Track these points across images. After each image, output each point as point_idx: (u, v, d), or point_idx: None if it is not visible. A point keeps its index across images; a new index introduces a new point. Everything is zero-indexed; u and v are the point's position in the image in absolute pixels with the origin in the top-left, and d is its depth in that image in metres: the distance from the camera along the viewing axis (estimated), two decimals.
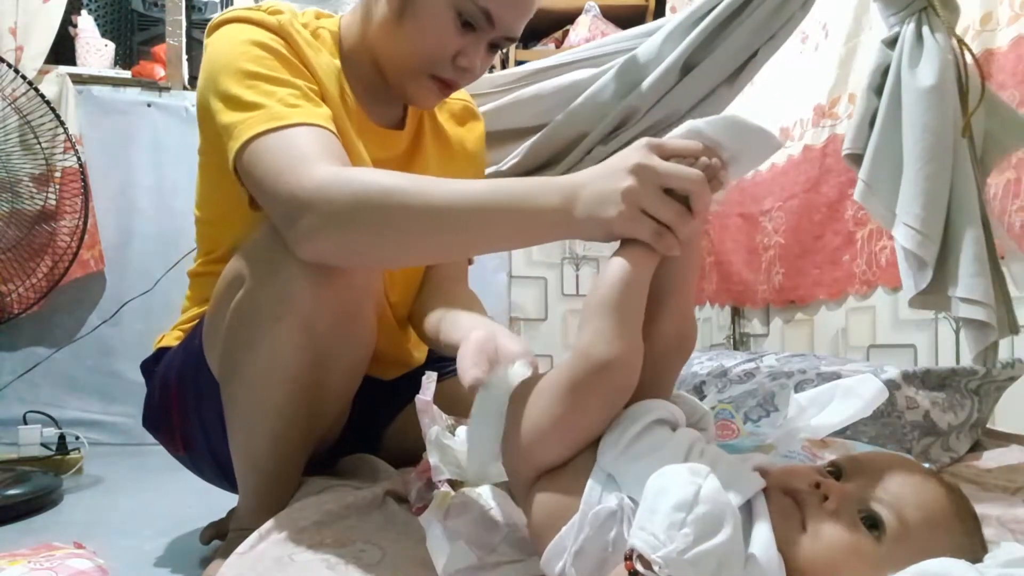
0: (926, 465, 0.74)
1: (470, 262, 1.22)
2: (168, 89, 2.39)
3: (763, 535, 0.54)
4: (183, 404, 1.01)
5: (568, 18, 2.85)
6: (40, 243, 2.07)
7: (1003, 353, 1.15)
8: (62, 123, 2.01)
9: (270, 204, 0.81)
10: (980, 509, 0.60)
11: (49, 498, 1.44)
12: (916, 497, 0.55)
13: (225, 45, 0.89)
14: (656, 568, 0.48)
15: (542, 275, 2.61)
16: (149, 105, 2.36)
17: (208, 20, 2.44)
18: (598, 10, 2.82)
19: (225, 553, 0.86)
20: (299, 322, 0.82)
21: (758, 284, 2.27)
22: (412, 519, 0.81)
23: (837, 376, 1.17)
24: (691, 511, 0.50)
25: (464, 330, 0.86)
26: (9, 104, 1.91)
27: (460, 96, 1.17)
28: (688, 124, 0.68)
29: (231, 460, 0.92)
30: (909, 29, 1.12)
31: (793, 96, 2.07)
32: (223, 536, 1.02)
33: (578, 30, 2.79)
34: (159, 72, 2.39)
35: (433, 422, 0.80)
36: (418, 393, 0.78)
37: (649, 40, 1.29)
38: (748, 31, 1.20)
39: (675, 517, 0.50)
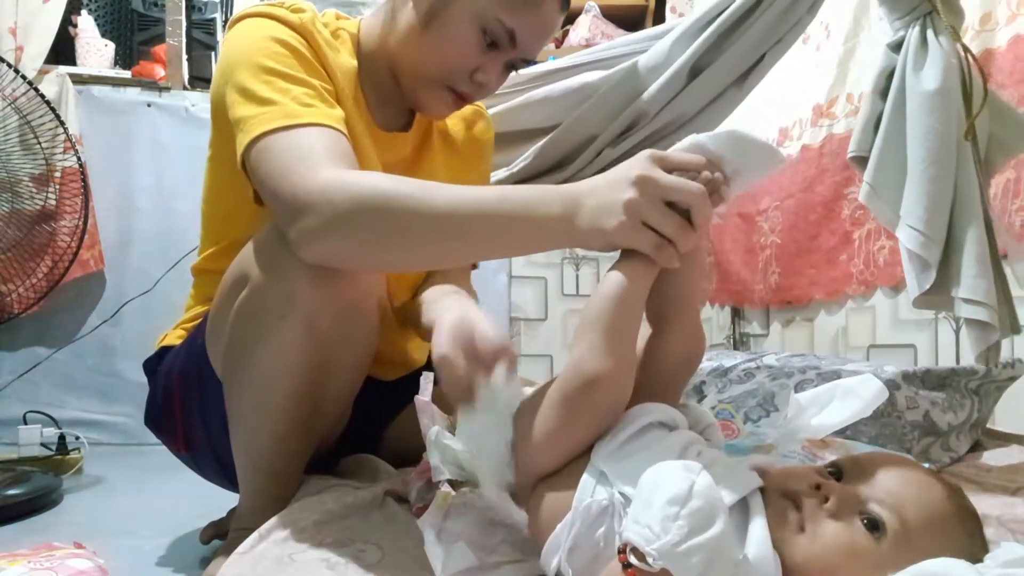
0: (926, 465, 0.74)
1: (474, 267, 1.22)
2: (168, 89, 2.39)
3: (758, 533, 0.54)
4: (185, 403, 1.01)
5: (568, 18, 2.84)
6: (40, 243, 2.07)
7: (1003, 353, 1.15)
8: (62, 123, 2.01)
9: (273, 202, 0.81)
10: (980, 509, 0.60)
11: (49, 498, 1.44)
12: (917, 498, 0.55)
13: (245, 39, 0.89)
14: (650, 560, 0.49)
15: (542, 275, 2.61)
16: (149, 105, 2.36)
17: (208, 20, 2.47)
18: (598, 10, 2.82)
19: (226, 552, 0.86)
20: (302, 321, 0.82)
21: (755, 284, 2.27)
22: (412, 519, 0.81)
23: (837, 376, 1.17)
24: (685, 505, 0.51)
25: (438, 311, 0.86)
26: (9, 104, 1.91)
27: None
28: (692, 138, 0.69)
29: (233, 459, 0.92)
30: (914, 33, 1.12)
31: (792, 96, 2.07)
32: (223, 535, 1.02)
33: (578, 30, 2.79)
34: (159, 72, 2.39)
35: (432, 422, 0.80)
36: (418, 393, 0.78)
37: (658, 44, 1.29)
38: (756, 35, 1.21)
39: (669, 511, 0.50)
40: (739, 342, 2.46)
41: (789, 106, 2.10)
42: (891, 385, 1.09)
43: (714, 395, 1.40)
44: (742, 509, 0.57)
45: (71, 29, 2.41)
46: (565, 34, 2.87)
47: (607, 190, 0.67)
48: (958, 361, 1.54)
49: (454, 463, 0.80)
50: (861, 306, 1.83)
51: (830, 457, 0.93)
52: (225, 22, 2.52)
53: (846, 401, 0.93)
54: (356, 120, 0.95)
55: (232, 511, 1.01)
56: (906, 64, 1.13)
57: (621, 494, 0.59)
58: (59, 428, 1.86)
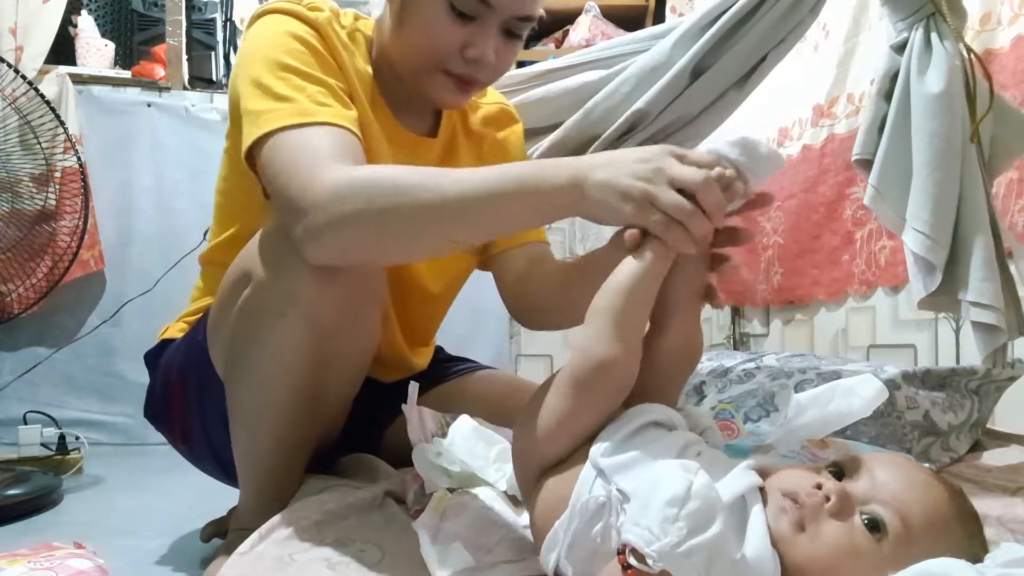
0: (926, 465, 0.74)
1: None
2: (168, 89, 2.39)
3: (757, 533, 0.55)
4: (184, 398, 1.01)
5: (568, 18, 2.85)
6: (40, 243, 2.07)
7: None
8: (62, 123, 2.01)
9: (281, 200, 0.80)
10: (980, 509, 0.60)
11: (49, 498, 1.44)
12: (918, 499, 0.55)
13: (263, 35, 0.89)
14: (650, 562, 0.49)
15: None
16: (149, 105, 2.36)
17: (208, 20, 2.47)
18: (598, 10, 2.82)
19: (226, 552, 0.87)
20: (303, 318, 0.82)
21: (757, 284, 2.27)
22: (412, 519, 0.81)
23: (837, 376, 1.17)
24: (684, 506, 0.51)
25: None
26: (9, 104, 1.91)
27: (496, 99, 1.15)
28: (704, 146, 0.71)
29: (230, 455, 0.92)
30: (917, 35, 1.12)
31: (792, 96, 2.07)
32: (223, 534, 1.02)
33: (578, 30, 2.79)
34: (159, 72, 2.39)
35: (421, 429, 0.81)
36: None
37: (659, 44, 1.29)
38: (758, 36, 1.20)
39: (668, 512, 0.51)
40: (739, 342, 2.46)
41: (789, 106, 2.10)
42: (891, 385, 1.09)
43: (714, 395, 1.40)
44: (740, 508, 0.57)
45: (71, 29, 2.41)
46: (565, 34, 2.87)
47: (617, 165, 0.67)
48: (958, 361, 1.54)
49: (442, 474, 0.81)
50: (861, 306, 1.83)
51: (830, 457, 0.93)
52: (225, 22, 2.52)
53: (846, 401, 0.93)
54: (373, 124, 0.95)
55: (232, 510, 1.02)
56: (910, 67, 1.13)
57: (619, 491, 0.59)
58: (59, 428, 1.86)
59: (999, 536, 0.75)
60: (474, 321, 2.40)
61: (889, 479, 0.57)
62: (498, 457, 0.86)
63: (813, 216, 1.97)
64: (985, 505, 0.79)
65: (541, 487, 0.66)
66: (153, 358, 1.08)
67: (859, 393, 0.92)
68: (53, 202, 2.08)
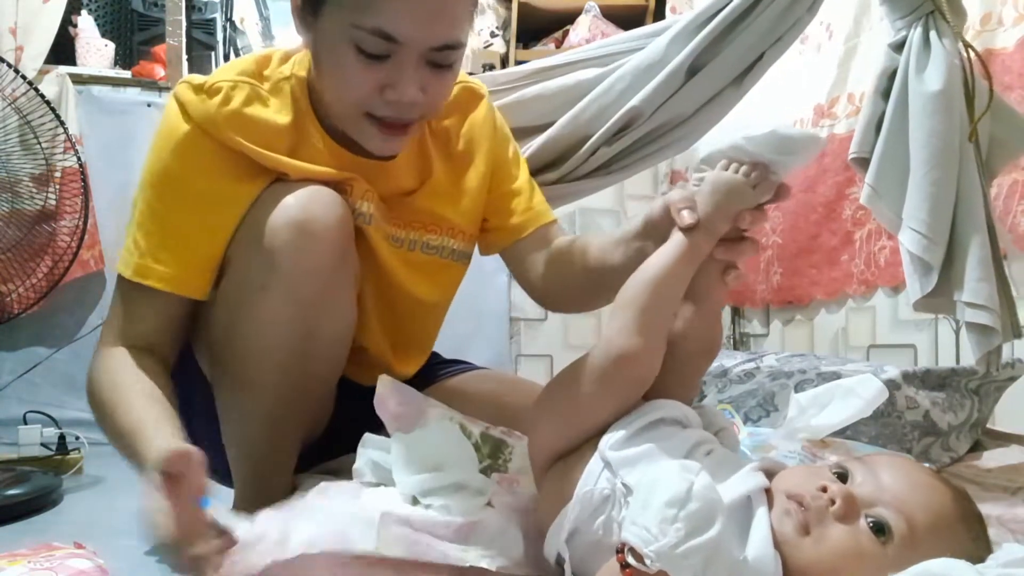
0: (926, 465, 0.74)
1: None
2: (168, 89, 2.38)
3: (759, 534, 0.55)
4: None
5: (568, 18, 2.85)
6: (40, 243, 2.07)
7: (1003, 354, 1.15)
8: (62, 123, 2.01)
9: None
10: (980, 509, 0.60)
11: (49, 498, 1.43)
12: (923, 502, 0.55)
13: (156, 142, 0.92)
14: (648, 562, 0.49)
15: None
16: (149, 105, 2.35)
17: (209, 20, 2.47)
18: (598, 10, 2.81)
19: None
20: (284, 290, 0.85)
21: (757, 284, 2.27)
22: None
23: (837, 376, 1.17)
24: (683, 507, 0.51)
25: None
26: (9, 104, 1.91)
27: (461, 78, 1.07)
28: (730, 141, 0.71)
29: (213, 452, 0.93)
30: (916, 34, 1.12)
31: (793, 96, 2.07)
32: None
33: (578, 30, 2.79)
34: (159, 72, 2.39)
35: (394, 418, 0.86)
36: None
37: (655, 41, 1.28)
38: (755, 34, 1.20)
39: (667, 512, 0.51)
40: (739, 342, 2.46)
41: (789, 106, 2.10)
42: (891, 385, 1.09)
43: (714, 395, 1.40)
44: (746, 510, 0.57)
45: (71, 29, 2.41)
46: (565, 34, 2.86)
47: None
48: (958, 361, 1.54)
49: (375, 467, 0.82)
50: (861, 306, 1.83)
51: (830, 457, 0.93)
52: (226, 22, 2.52)
53: (846, 401, 0.93)
54: (302, 166, 0.91)
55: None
56: (908, 65, 1.12)
57: (623, 484, 0.60)
58: (59, 428, 1.86)
59: (999, 536, 0.75)
60: (474, 321, 2.40)
61: (894, 482, 0.57)
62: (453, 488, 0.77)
63: (812, 216, 1.97)
64: (985, 505, 0.79)
65: (550, 476, 0.68)
66: None
67: (859, 393, 0.92)
68: (53, 202, 2.08)
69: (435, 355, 1.24)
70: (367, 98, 0.85)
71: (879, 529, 0.54)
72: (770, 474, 0.61)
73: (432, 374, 1.18)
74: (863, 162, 1.20)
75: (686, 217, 0.71)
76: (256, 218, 0.88)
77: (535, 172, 1.35)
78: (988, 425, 1.28)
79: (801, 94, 2.05)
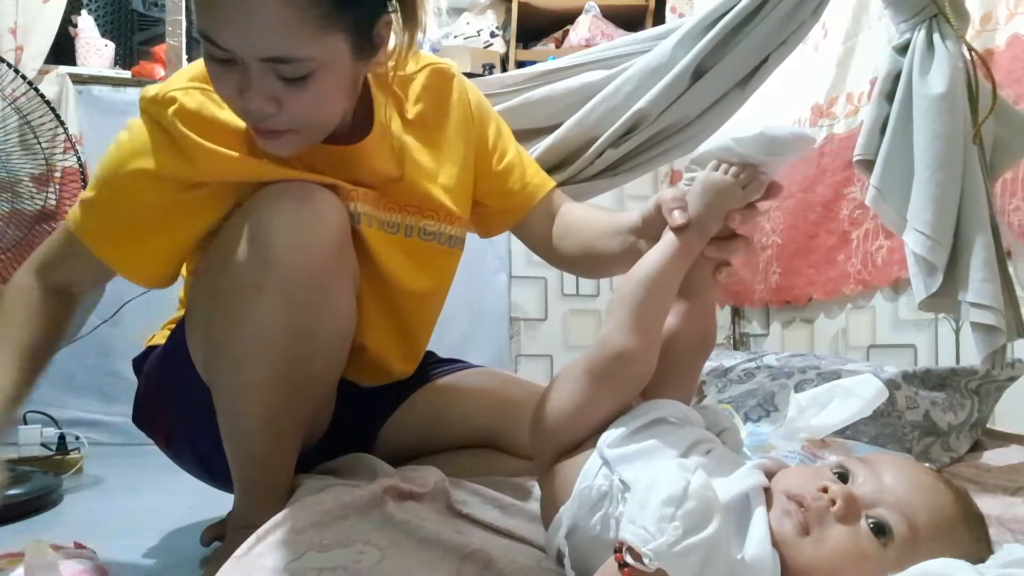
0: (927, 465, 0.74)
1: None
2: None
3: (757, 534, 0.54)
4: (165, 399, 1.03)
5: (568, 18, 2.85)
6: (40, 243, 2.07)
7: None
8: (62, 123, 2.01)
9: None
10: (980, 509, 0.60)
11: (49, 498, 1.43)
12: (924, 503, 0.55)
13: (122, 144, 0.99)
14: (646, 560, 0.49)
15: (542, 275, 2.61)
16: None
17: None
18: (598, 10, 2.82)
19: (224, 555, 0.86)
20: (279, 291, 0.84)
21: (756, 284, 2.27)
22: (411, 518, 0.81)
23: (837, 376, 1.17)
24: (680, 506, 0.51)
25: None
26: (9, 104, 1.91)
27: (425, 62, 1.06)
28: (720, 142, 0.73)
29: (212, 456, 0.93)
30: (920, 36, 1.12)
31: (792, 96, 2.07)
32: (223, 537, 1.02)
33: (578, 30, 2.79)
34: (159, 72, 2.39)
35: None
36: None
37: (661, 45, 1.29)
38: (760, 36, 1.20)
39: (665, 511, 0.51)
40: (739, 342, 2.46)
41: (788, 106, 2.10)
42: (891, 385, 1.09)
43: (714, 395, 1.40)
44: (745, 509, 0.57)
45: (71, 29, 2.41)
46: (565, 34, 2.87)
47: None
48: (958, 361, 1.54)
49: None
50: (861, 306, 1.83)
51: (830, 457, 0.93)
52: None
53: (846, 401, 0.93)
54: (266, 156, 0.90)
55: (231, 513, 1.01)
56: (912, 68, 1.13)
57: (621, 480, 0.61)
58: (59, 428, 1.86)
59: (999, 536, 0.75)
60: (474, 321, 2.40)
61: (895, 482, 0.57)
62: None
63: (811, 216, 1.97)
64: (985, 505, 0.79)
65: (552, 472, 0.68)
66: (139, 364, 1.10)
67: (859, 393, 0.92)
68: (53, 202, 2.08)
69: (431, 354, 1.24)
70: (231, 102, 0.85)
71: (880, 530, 0.54)
72: (770, 473, 0.61)
73: (428, 373, 1.18)
74: (868, 164, 1.20)
75: (677, 217, 0.73)
76: (249, 217, 0.87)
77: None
78: (988, 425, 1.28)
79: (800, 94, 2.05)
